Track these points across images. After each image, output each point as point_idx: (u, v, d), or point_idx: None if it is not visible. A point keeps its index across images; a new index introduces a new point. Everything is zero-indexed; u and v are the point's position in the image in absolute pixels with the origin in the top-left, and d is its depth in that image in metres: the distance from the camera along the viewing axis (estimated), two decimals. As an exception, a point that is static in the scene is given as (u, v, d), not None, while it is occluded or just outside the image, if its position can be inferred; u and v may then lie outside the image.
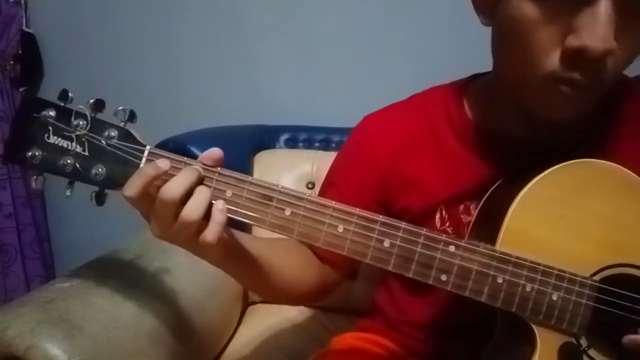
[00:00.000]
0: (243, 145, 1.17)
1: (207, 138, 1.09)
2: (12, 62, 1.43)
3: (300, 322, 1.06)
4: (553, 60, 0.47)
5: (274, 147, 1.22)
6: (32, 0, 1.42)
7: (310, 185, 1.08)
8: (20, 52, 1.42)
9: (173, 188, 0.46)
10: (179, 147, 1.02)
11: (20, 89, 1.47)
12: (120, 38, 1.41)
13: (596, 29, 0.43)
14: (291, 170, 1.13)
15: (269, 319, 1.05)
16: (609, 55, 0.45)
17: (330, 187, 0.70)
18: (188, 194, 0.47)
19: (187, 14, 1.34)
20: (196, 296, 0.84)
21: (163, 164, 0.48)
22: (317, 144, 1.21)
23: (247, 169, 1.14)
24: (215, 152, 0.50)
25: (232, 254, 0.54)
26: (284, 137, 1.23)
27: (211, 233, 0.47)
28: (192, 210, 0.47)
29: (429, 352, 0.67)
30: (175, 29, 1.36)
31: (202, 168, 0.49)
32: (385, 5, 1.22)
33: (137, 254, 0.80)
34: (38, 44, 1.44)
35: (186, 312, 0.80)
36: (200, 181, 0.48)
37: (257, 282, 0.63)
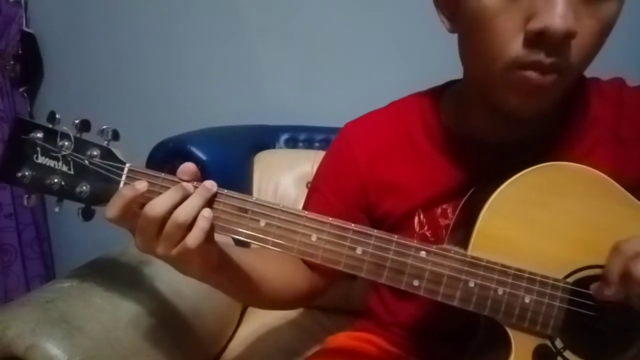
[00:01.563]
0: (243, 145, 1.17)
1: (207, 138, 1.09)
2: (12, 62, 1.43)
3: (300, 322, 1.07)
4: (516, 46, 0.47)
5: (274, 147, 1.22)
6: (32, 0, 1.42)
7: (310, 185, 1.09)
8: (20, 52, 1.43)
9: (158, 206, 0.48)
10: (179, 147, 1.02)
11: (20, 89, 1.48)
12: (120, 38, 1.41)
13: (555, 10, 0.44)
14: (291, 170, 1.13)
15: (268, 319, 1.05)
16: (571, 38, 0.46)
17: (315, 192, 0.71)
18: (171, 212, 0.48)
19: (187, 14, 1.34)
20: (196, 296, 0.84)
21: (140, 185, 0.49)
22: (317, 144, 1.21)
23: (247, 168, 1.14)
24: (189, 167, 0.51)
25: (219, 269, 0.54)
26: (284, 137, 1.24)
27: (193, 237, 0.48)
28: (182, 214, 0.48)
29: (420, 351, 0.68)
30: (175, 29, 1.36)
31: (185, 185, 0.50)
32: (385, 6, 1.22)
33: (137, 254, 0.79)
34: (38, 44, 1.45)
35: (186, 311, 0.80)
36: (184, 199, 0.49)
37: (245, 294, 0.63)
